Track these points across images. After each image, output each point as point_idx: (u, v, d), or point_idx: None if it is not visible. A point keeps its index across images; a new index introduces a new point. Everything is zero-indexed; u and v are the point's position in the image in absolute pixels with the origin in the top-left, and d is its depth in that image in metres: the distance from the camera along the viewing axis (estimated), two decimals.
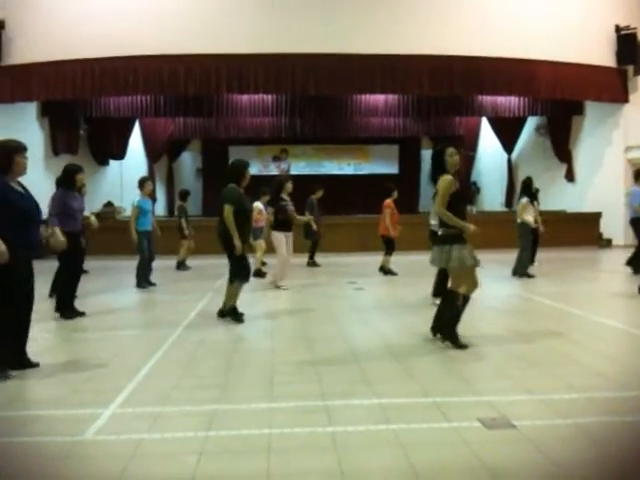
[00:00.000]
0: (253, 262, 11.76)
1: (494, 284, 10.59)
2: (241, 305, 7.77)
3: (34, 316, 5.60)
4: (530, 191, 11.62)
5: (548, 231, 12.21)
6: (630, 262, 11.68)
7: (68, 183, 7.92)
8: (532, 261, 12.12)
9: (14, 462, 3.56)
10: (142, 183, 10.71)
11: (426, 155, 24.44)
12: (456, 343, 6.06)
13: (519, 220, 11.44)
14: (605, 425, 3.98)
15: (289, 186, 10.38)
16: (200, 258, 14.16)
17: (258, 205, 11.76)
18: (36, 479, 3.35)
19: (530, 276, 11.36)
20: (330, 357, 5.83)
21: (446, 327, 6.20)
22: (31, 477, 3.37)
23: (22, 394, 4.88)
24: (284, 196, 10.35)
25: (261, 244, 11.99)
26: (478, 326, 7.03)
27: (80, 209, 8.12)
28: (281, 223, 10.24)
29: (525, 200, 11.43)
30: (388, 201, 11.89)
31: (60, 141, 17.16)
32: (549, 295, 9.29)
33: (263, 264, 12.12)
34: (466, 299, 6.25)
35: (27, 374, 5.29)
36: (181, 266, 13.46)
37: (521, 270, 11.45)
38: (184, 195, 13.82)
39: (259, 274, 11.64)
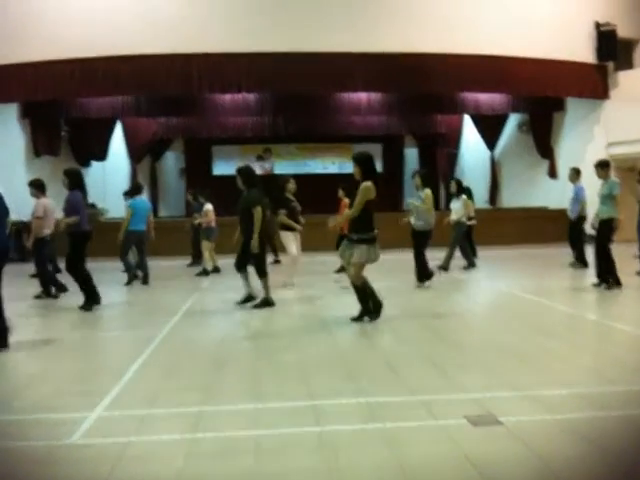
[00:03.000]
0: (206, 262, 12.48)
1: (474, 280, 10.65)
2: (229, 303, 8.17)
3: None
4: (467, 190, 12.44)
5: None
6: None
7: (82, 185, 8.63)
8: (475, 255, 12.63)
9: (1, 468, 3.52)
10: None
11: (409, 153, 24.51)
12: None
13: (464, 219, 11.79)
14: (592, 420, 3.99)
15: (291, 187, 10.48)
16: (185, 259, 14.11)
17: (209, 207, 12.59)
18: None
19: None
20: (316, 356, 5.82)
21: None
22: None
23: (5, 397, 4.81)
24: (290, 196, 10.45)
25: (212, 245, 12.54)
26: (461, 320, 7.06)
27: None
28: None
29: (465, 198, 12.00)
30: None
31: (41, 142, 17.02)
32: (531, 291, 9.33)
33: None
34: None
35: (10, 378, 5.25)
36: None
37: (471, 261, 12.01)
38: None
39: (207, 273, 12.31)
